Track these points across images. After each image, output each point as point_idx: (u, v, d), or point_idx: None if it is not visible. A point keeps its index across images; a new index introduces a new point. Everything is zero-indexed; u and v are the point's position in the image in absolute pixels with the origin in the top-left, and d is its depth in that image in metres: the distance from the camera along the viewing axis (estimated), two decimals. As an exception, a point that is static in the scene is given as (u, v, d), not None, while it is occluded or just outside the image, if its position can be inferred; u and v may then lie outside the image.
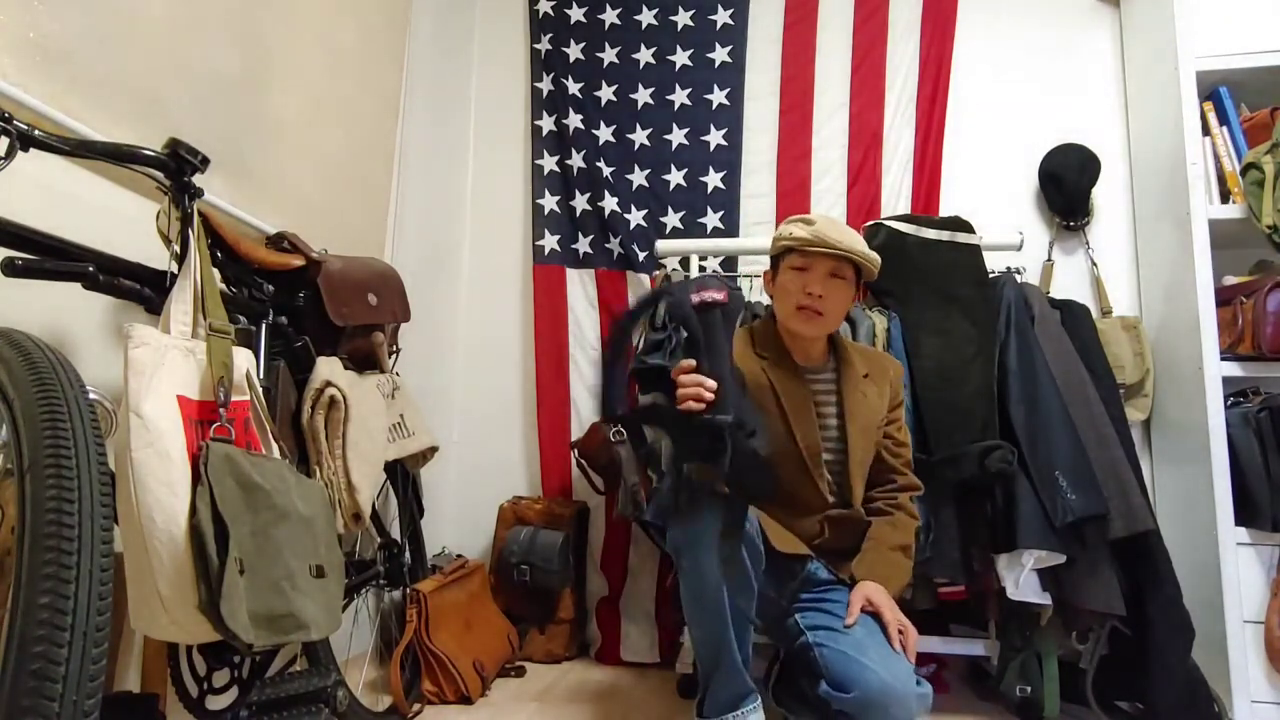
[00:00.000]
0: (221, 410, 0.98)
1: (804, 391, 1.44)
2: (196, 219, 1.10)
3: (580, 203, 2.53)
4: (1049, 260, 2.26)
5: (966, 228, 1.96)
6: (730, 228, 2.44)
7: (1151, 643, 1.63)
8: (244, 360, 1.08)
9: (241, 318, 1.28)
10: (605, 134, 2.55)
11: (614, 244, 2.48)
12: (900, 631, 1.25)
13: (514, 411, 2.56)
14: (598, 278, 2.51)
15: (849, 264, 1.41)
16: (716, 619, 1.22)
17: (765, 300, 2.18)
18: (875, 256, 1.43)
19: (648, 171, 2.51)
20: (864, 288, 2.05)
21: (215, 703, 1.14)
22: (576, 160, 2.55)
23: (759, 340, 1.51)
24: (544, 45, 2.64)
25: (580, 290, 2.52)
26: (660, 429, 1.17)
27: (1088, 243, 2.26)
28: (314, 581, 1.01)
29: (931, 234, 1.95)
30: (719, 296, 1.20)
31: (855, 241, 1.40)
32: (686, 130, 2.52)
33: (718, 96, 2.51)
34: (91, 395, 0.84)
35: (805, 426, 1.41)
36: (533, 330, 2.53)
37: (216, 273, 1.20)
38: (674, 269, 2.22)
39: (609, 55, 2.60)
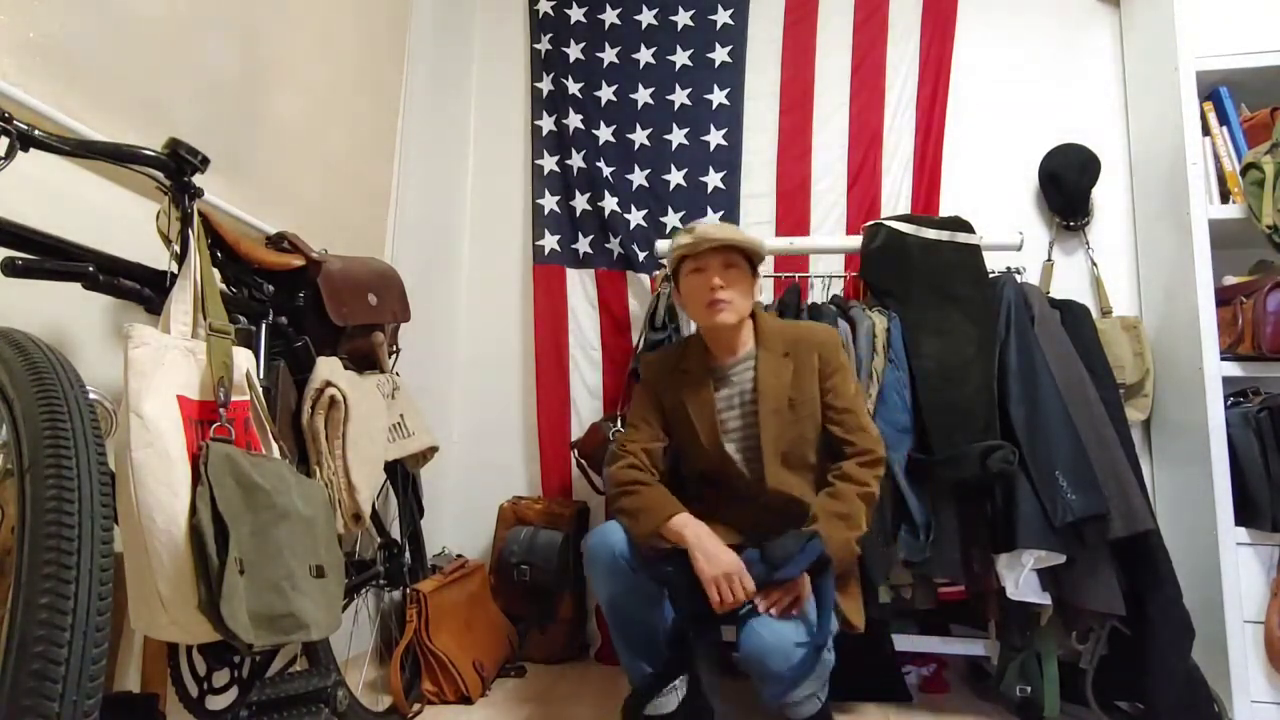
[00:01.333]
0: (221, 410, 0.98)
1: (707, 396, 1.57)
2: (196, 219, 1.10)
3: (580, 203, 2.53)
4: (1049, 260, 2.26)
5: (967, 228, 1.96)
6: (730, 228, 2.43)
7: (1151, 643, 1.63)
8: (244, 360, 1.08)
9: (241, 318, 1.28)
10: (605, 134, 2.55)
11: (614, 244, 2.48)
12: (794, 600, 1.36)
13: (514, 411, 2.56)
14: (598, 278, 2.51)
15: (737, 252, 1.53)
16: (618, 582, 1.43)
17: (764, 300, 2.19)
18: (758, 240, 1.56)
19: (648, 171, 2.51)
20: (865, 288, 2.05)
21: (215, 703, 1.14)
22: (576, 160, 2.55)
23: (685, 355, 1.62)
24: (544, 45, 2.64)
25: (580, 290, 2.52)
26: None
27: (1088, 243, 2.26)
28: (314, 581, 1.01)
29: (932, 234, 1.95)
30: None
31: (736, 233, 1.54)
32: (686, 130, 2.52)
33: (718, 96, 2.51)
34: (91, 395, 0.84)
35: (707, 429, 1.55)
36: (533, 330, 2.53)
37: (216, 273, 1.20)
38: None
39: (609, 55, 2.60)
